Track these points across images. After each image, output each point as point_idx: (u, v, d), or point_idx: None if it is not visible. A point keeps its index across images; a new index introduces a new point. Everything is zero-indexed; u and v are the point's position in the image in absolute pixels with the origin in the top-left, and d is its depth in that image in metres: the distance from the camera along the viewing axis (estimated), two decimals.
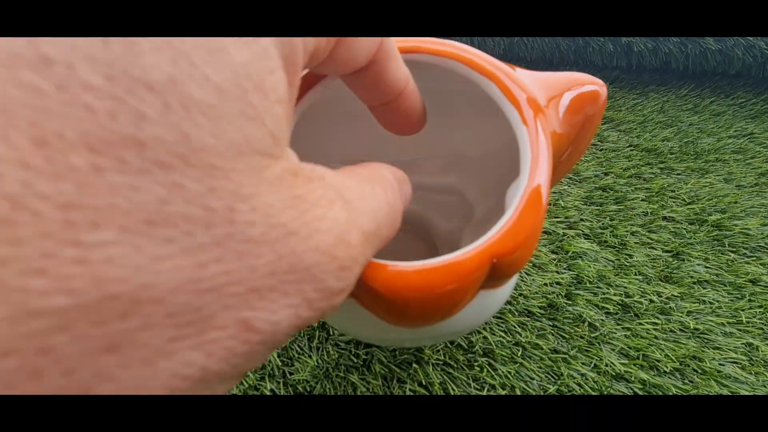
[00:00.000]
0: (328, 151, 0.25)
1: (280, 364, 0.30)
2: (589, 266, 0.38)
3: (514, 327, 0.33)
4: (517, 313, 0.34)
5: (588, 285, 0.37)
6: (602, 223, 0.42)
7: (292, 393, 0.29)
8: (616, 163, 0.50)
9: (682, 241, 0.41)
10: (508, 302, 0.35)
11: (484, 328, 0.33)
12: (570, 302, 0.35)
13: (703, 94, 0.64)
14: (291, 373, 0.30)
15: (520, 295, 0.35)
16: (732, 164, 0.52)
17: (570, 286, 0.37)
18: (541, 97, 0.17)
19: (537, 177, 0.16)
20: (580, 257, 0.39)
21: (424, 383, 0.30)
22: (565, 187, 0.47)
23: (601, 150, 0.52)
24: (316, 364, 0.31)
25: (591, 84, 0.19)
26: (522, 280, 0.37)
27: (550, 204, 0.44)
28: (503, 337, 0.33)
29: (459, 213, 0.30)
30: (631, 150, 0.53)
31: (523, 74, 0.18)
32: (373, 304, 0.15)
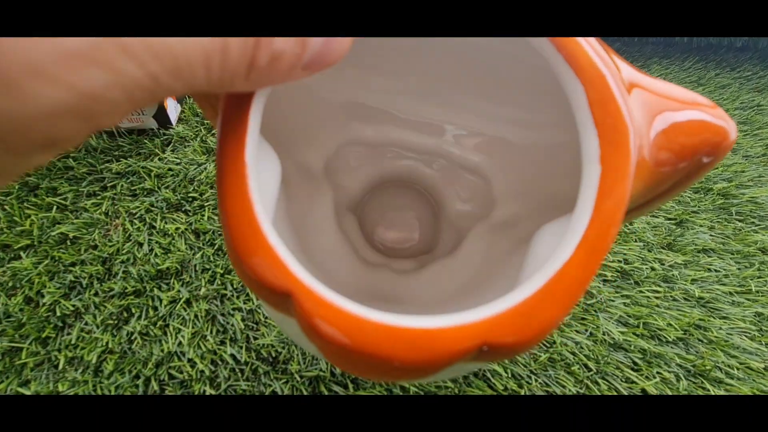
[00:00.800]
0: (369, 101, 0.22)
1: (243, 327, 0.28)
2: None
3: None
4: None
5: None
6: None
7: (254, 358, 0.26)
8: None
9: (686, 209, 0.38)
10: None
11: None
12: None
13: (708, 66, 0.61)
14: (255, 338, 0.27)
15: None
16: (738, 135, 0.49)
17: None
18: (643, 124, 0.12)
19: (594, 239, 0.11)
20: None
21: None
22: None
23: None
24: None
25: (716, 117, 0.13)
26: None
27: None
28: None
29: (477, 200, 0.26)
30: None
31: (638, 84, 0.12)
32: (317, 342, 0.11)
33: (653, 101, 0.13)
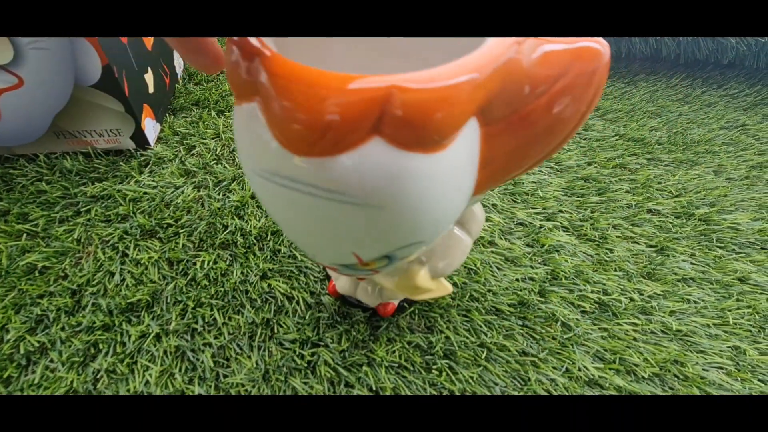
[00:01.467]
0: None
1: (213, 365, 0.27)
2: (566, 261, 0.35)
3: (480, 326, 0.30)
4: (483, 311, 0.31)
5: (564, 281, 0.34)
6: (582, 215, 0.39)
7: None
8: (600, 152, 0.47)
9: (667, 235, 0.38)
10: (475, 299, 0.32)
11: (447, 327, 0.30)
12: (543, 299, 0.32)
13: (694, 84, 0.61)
14: (225, 376, 0.27)
15: (489, 291, 0.32)
16: (722, 156, 0.49)
17: (544, 282, 0.33)
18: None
19: (497, 49, 0.13)
20: (557, 251, 0.36)
21: (374, 388, 0.27)
22: (545, 176, 0.43)
23: (585, 139, 0.49)
24: (254, 365, 0.27)
25: (590, 40, 0.14)
26: (492, 275, 0.33)
27: (527, 194, 0.41)
28: (467, 338, 0.29)
29: None
30: (617, 139, 0.49)
31: None
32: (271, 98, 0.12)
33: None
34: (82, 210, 0.35)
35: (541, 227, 0.38)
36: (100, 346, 0.28)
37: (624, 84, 0.60)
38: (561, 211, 0.40)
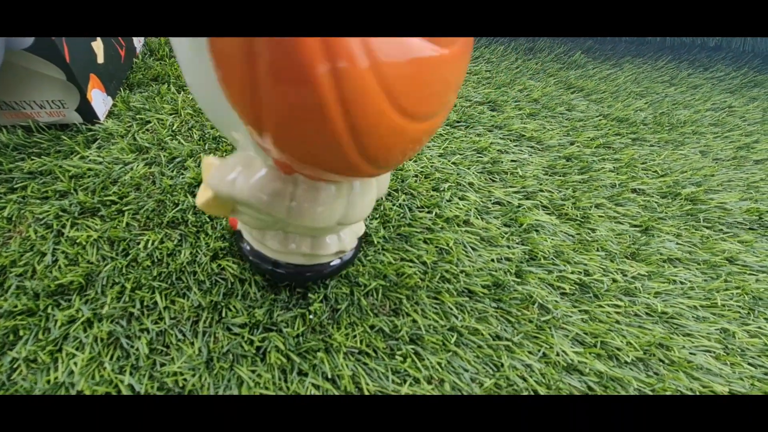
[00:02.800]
0: None
1: (148, 352, 0.24)
2: (546, 240, 0.33)
3: (450, 309, 0.28)
4: (455, 293, 0.29)
5: (542, 262, 0.31)
6: (564, 194, 0.37)
7: (156, 390, 0.23)
8: (584, 132, 0.45)
9: (652, 215, 0.36)
10: (446, 280, 0.29)
11: (414, 310, 0.27)
12: (519, 281, 0.30)
13: (680, 66, 0.60)
14: (163, 364, 0.24)
15: (461, 272, 0.30)
16: (709, 137, 0.47)
17: (521, 262, 0.31)
18: None
19: None
20: (536, 230, 0.34)
21: (330, 376, 0.24)
22: (526, 155, 0.41)
23: (567, 119, 0.47)
24: (197, 352, 0.24)
25: None
26: (465, 255, 0.31)
27: (506, 173, 0.39)
28: (436, 321, 0.27)
29: None
30: (601, 119, 0.47)
31: None
32: None
33: None
34: (16, 186, 0.32)
35: (519, 206, 0.35)
36: (21, 333, 0.24)
37: (609, 66, 0.58)
38: (541, 191, 0.37)
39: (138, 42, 0.48)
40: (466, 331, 0.27)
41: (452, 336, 0.26)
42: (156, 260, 0.28)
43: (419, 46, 0.13)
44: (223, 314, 0.26)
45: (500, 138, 0.43)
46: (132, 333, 0.25)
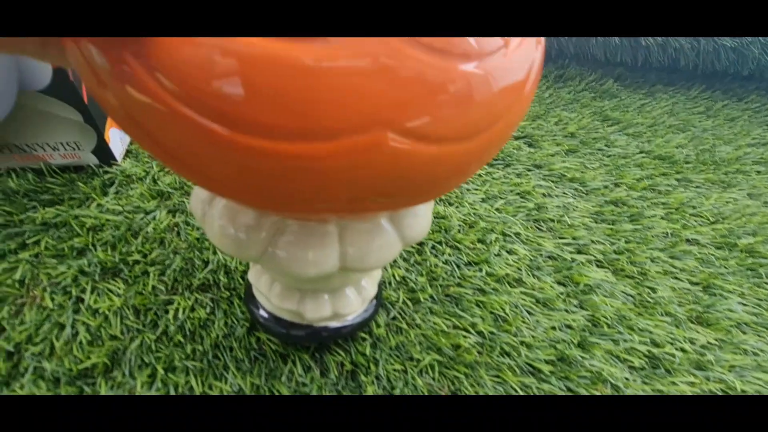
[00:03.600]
0: None
1: None
2: (606, 303, 0.30)
3: (515, 390, 0.25)
4: (518, 370, 0.26)
5: (606, 329, 0.29)
6: (617, 247, 0.35)
7: None
8: (627, 171, 0.43)
9: (711, 270, 0.34)
10: (506, 353, 0.27)
11: (476, 392, 0.25)
12: (585, 354, 0.27)
13: (714, 96, 0.58)
14: None
15: (522, 343, 0.27)
16: (754, 177, 0.45)
17: (584, 330, 0.29)
18: None
19: None
20: (594, 291, 0.31)
21: None
22: (571, 199, 0.39)
23: (608, 156, 0.45)
24: None
25: None
26: (523, 322, 0.28)
27: (553, 221, 0.36)
28: None
29: None
30: (643, 157, 0.45)
31: None
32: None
33: None
34: (28, 242, 0.29)
35: (573, 261, 0.33)
36: None
37: (641, 95, 0.56)
38: (593, 242, 0.35)
39: None
40: None
41: None
42: (188, 333, 0.26)
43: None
44: None
45: (542, 179, 0.41)
46: None
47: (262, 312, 0.24)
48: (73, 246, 0.29)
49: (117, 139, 0.35)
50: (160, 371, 0.24)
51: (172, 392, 0.23)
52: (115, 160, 0.35)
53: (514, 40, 0.12)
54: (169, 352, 0.24)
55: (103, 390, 0.23)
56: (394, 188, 0.12)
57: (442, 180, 0.13)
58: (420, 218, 0.20)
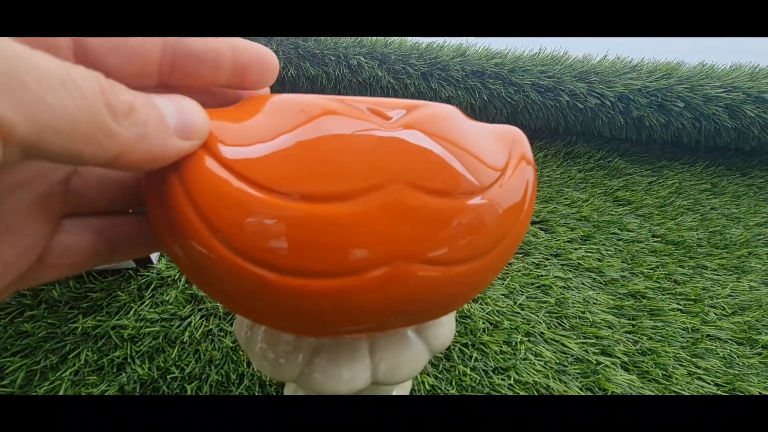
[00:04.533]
0: None
1: None
2: None
3: None
4: None
5: None
6: (640, 347, 0.35)
7: None
8: (642, 259, 0.44)
9: (735, 372, 0.34)
10: None
11: None
12: None
13: (718, 172, 0.60)
14: None
15: None
16: (767, 260, 0.46)
17: None
18: None
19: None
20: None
21: None
22: (590, 291, 0.40)
23: (622, 241, 0.46)
24: None
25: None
26: None
27: (574, 317, 0.37)
28: None
29: None
30: (656, 242, 0.47)
31: None
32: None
33: None
34: (69, 355, 0.30)
35: (598, 365, 0.33)
36: None
37: (649, 172, 0.58)
38: (617, 342, 0.35)
39: None
40: None
41: None
42: None
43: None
44: None
45: (560, 270, 0.42)
46: None
47: None
48: (112, 360, 0.30)
49: None
50: None
51: None
52: (152, 263, 0.36)
53: (509, 168, 0.15)
54: None
55: None
56: (417, 307, 0.14)
57: (460, 295, 0.15)
58: (444, 327, 0.21)
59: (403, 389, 0.25)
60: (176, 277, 0.36)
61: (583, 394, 0.31)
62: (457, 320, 0.35)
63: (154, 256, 0.36)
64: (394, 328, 0.15)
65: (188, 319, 0.33)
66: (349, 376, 0.19)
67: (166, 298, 0.34)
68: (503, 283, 0.39)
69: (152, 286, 0.35)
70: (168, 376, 0.29)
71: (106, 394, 0.28)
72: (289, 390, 0.25)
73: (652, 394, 0.32)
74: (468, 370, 0.32)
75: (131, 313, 0.33)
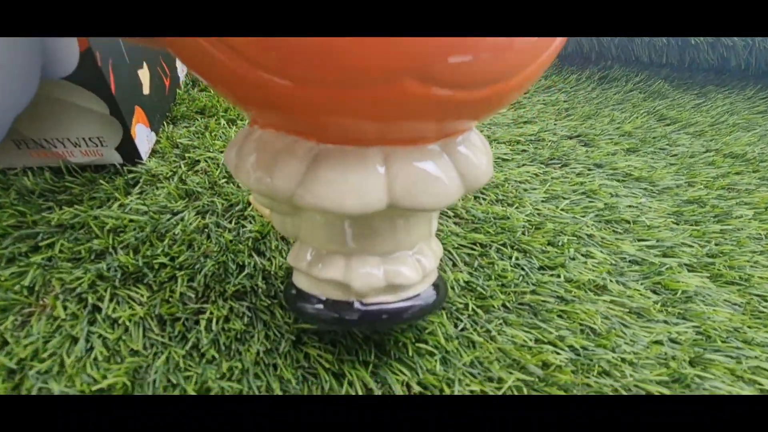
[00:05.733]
0: None
1: None
2: (714, 313, 0.25)
3: None
4: (626, 392, 0.21)
5: (720, 344, 0.24)
6: (708, 250, 0.30)
7: None
8: (699, 170, 0.38)
9: None
10: (606, 373, 0.22)
11: None
12: (703, 373, 0.22)
13: None
14: None
15: (623, 360, 0.22)
16: None
17: (695, 345, 0.24)
18: None
19: None
20: (693, 299, 0.26)
21: None
22: (643, 200, 0.34)
23: (673, 156, 0.41)
24: None
25: None
26: (620, 336, 0.24)
27: (627, 222, 0.32)
28: None
29: None
30: (713, 156, 0.41)
31: None
32: None
33: None
34: (41, 244, 0.26)
35: (661, 266, 0.28)
36: None
37: (694, 96, 0.52)
38: (681, 245, 0.30)
39: (181, 71, 0.43)
40: None
41: None
42: (223, 348, 0.21)
43: None
44: None
45: (605, 178, 0.36)
46: None
47: (306, 303, 0.19)
48: (91, 248, 0.25)
49: (143, 136, 0.32)
50: (191, 393, 0.19)
51: None
52: (141, 159, 0.31)
53: None
54: (201, 371, 0.20)
55: None
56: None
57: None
58: (477, 149, 0.17)
59: (432, 252, 0.20)
60: (169, 175, 0.31)
61: (647, 294, 0.26)
62: (490, 221, 0.30)
63: (144, 152, 0.32)
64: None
65: (181, 214, 0.28)
66: (357, 185, 0.14)
67: (157, 193, 0.30)
68: (541, 189, 0.34)
69: (140, 183, 0.31)
70: (155, 263, 0.25)
71: (81, 282, 0.23)
72: (292, 254, 0.20)
73: (731, 300, 0.27)
74: (510, 266, 0.27)
75: (115, 205, 0.28)
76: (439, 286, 0.20)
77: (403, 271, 0.18)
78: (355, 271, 0.18)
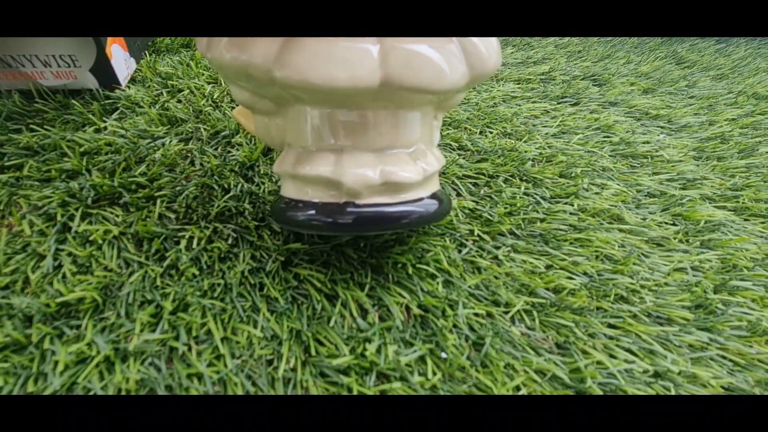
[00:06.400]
0: None
1: None
2: (739, 242, 0.23)
3: (649, 345, 0.18)
4: (646, 318, 0.19)
5: (746, 273, 0.22)
6: (733, 183, 0.28)
7: None
8: (720, 110, 0.36)
9: None
10: (625, 300, 0.20)
11: (593, 346, 0.18)
12: (729, 299, 0.20)
13: None
14: None
15: (642, 287, 0.21)
16: None
17: (720, 273, 0.22)
18: None
19: None
20: (715, 230, 0.24)
21: None
22: (660, 137, 0.32)
23: (693, 97, 0.38)
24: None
25: None
26: (639, 264, 0.22)
27: (644, 157, 0.30)
28: (631, 363, 0.18)
29: None
30: (736, 96, 0.38)
31: None
32: None
33: None
34: (8, 164, 0.23)
35: (682, 198, 0.26)
36: (5, 381, 0.15)
37: (714, 41, 0.49)
38: (703, 178, 0.28)
39: None
40: (684, 379, 0.17)
41: (667, 387, 0.17)
42: (205, 267, 0.19)
43: None
44: (312, 351, 0.17)
45: (620, 116, 0.34)
46: (175, 382, 0.16)
47: (296, 211, 0.17)
48: (62, 169, 0.23)
49: (121, 60, 0.29)
50: (167, 310, 0.17)
51: (183, 336, 0.17)
52: (119, 84, 0.29)
53: None
54: (179, 288, 0.18)
55: (90, 333, 0.17)
56: None
57: None
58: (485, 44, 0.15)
59: (433, 153, 0.18)
60: (150, 102, 0.29)
61: (667, 224, 0.24)
62: (498, 153, 0.28)
63: (122, 77, 0.29)
64: None
65: (162, 140, 0.26)
66: (346, 54, 0.12)
67: (137, 119, 0.27)
68: (553, 123, 0.32)
69: (120, 109, 0.28)
70: (132, 184, 0.23)
71: (50, 201, 0.21)
72: (278, 162, 0.17)
73: (757, 232, 0.25)
74: (519, 194, 0.25)
75: (90, 129, 0.26)
76: (441, 198, 0.18)
77: (400, 169, 0.16)
78: (347, 166, 0.16)
